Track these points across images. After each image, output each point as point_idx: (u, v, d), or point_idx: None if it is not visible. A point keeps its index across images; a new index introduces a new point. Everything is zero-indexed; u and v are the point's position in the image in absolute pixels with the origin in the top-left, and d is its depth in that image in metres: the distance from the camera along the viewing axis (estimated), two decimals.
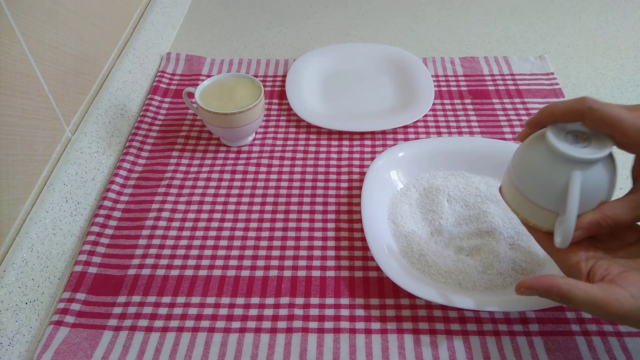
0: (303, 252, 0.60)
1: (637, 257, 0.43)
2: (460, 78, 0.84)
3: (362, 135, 0.74)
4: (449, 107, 0.78)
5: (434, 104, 0.79)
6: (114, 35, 0.79)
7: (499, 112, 0.77)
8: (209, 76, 0.85)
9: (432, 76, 0.84)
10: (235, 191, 0.67)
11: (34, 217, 0.56)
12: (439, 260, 0.57)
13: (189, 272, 0.58)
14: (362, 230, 0.62)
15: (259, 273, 0.58)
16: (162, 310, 0.55)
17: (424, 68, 0.84)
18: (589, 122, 0.42)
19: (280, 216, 0.64)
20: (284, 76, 0.85)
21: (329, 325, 0.53)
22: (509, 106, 0.78)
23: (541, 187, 0.45)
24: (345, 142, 0.74)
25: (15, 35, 0.54)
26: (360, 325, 0.53)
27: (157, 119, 0.78)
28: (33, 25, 0.57)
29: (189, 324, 0.54)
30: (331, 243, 0.61)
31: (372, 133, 0.74)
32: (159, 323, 0.54)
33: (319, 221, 0.63)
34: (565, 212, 0.42)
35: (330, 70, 0.86)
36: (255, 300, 0.56)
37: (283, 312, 0.55)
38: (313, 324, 0.53)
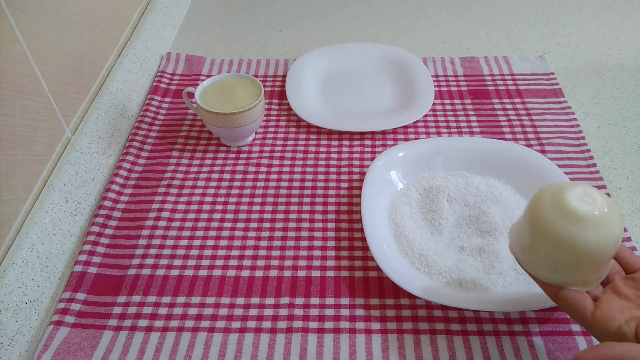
0: (303, 252, 0.60)
1: None
2: (460, 78, 0.84)
3: (362, 135, 0.74)
4: (449, 107, 0.78)
5: (434, 104, 0.79)
6: (114, 35, 0.79)
7: (499, 112, 0.77)
8: (209, 76, 0.85)
9: (432, 76, 0.84)
10: (235, 191, 0.67)
11: (34, 217, 0.56)
12: (439, 260, 0.57)
13: (189, 272, 0.58)
14: (362, 230, 0.62)
15: (259, 273, 0.58)
16: (162, 310, 0.55)
17: (424, 68, 0.84)
18: None
19: (280, 216, 0.64)
20: (284, 76, 0.85)
21: (329, 325, 0.53)
22: (509, 106, 0.78)
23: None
24: (345, 142, 0.74)
25: (15, 35, 0.54)
26: (360, 325, 0.53)
27: (157, 119, 0.78)
28: (33, 25, 0.57)
29: (189, 324, 0.54)
30: (331, 243, 0.61)
31: (372, 133, 0.74)
32: (159, 323, 0.54)
33: (319, 221, 0.63)
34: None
35: (330, 70, 0.86)
36: (255, 300, 0.56)
37: (283, 312, 0.55)
38: (313, 324, 0.53)
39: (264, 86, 0.83)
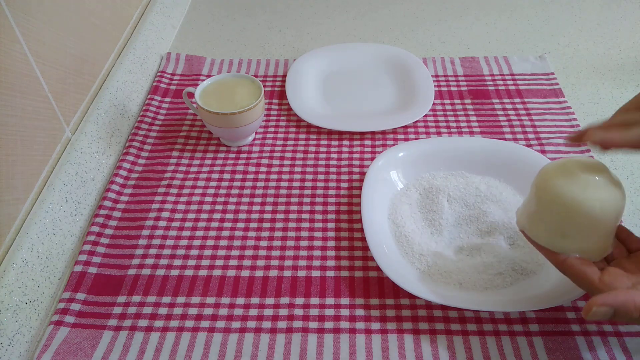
0: (303, 252, 0.60)
1: None
2: (460, 78, 0.84)
3: (362, 135, 0.74)
4: (449, 107, 0.78)
5: (434, 104, 0.79)
6: (114, 35, 0.79)
7: (499, 112, 0.77)
8: (209, 76, 0.85)
9: (432, 76, 0.84)
10: (235, 191, 0.67)
11: (34, 217, 0.56)
12: (439, 260, 0.57)
13: (189, 272, 0.58)
14: (362, 230, 0.62)
15: (259, 273, 0.58)
16: (162, 310, 0.55)
17: (424, 68, 0.84)
18: None
19: (280, 216, 0.64)
20: (284, 76, 0.85)
21: (329, 325, 0.53)
22: (509, 106, 0.78)
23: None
24: (345, 142, 0.74)
25: (15, 35, 0.54)
26: (360, 325, 0.53)
27: (157, 119, 0.78)
28: (33, 25, 0.57)
29: (189, 324, 0.54)
30: (331, 243, 0.61)
31: (372, 133, 0.74)
32: (159, 323, 0.54)
33: (319, 221, 0.63)
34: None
35: (330, 70, 0.86)
36: (255, 300, 0.56)
37: (283, 312, 0.55)
38: (313, 324, 0.53)
39: (264, 86, 0.83)
